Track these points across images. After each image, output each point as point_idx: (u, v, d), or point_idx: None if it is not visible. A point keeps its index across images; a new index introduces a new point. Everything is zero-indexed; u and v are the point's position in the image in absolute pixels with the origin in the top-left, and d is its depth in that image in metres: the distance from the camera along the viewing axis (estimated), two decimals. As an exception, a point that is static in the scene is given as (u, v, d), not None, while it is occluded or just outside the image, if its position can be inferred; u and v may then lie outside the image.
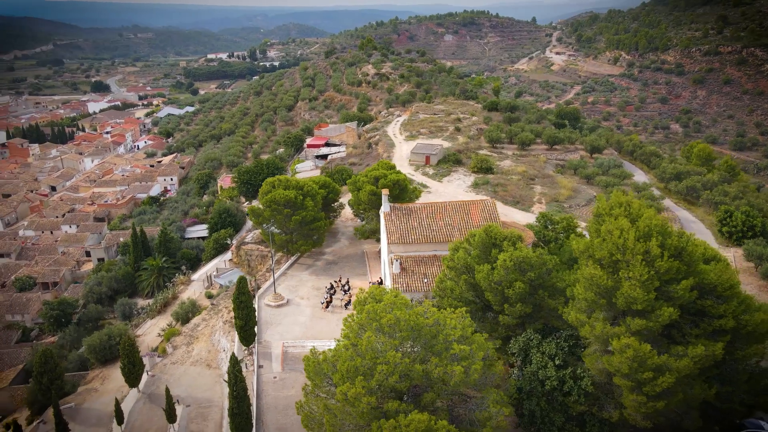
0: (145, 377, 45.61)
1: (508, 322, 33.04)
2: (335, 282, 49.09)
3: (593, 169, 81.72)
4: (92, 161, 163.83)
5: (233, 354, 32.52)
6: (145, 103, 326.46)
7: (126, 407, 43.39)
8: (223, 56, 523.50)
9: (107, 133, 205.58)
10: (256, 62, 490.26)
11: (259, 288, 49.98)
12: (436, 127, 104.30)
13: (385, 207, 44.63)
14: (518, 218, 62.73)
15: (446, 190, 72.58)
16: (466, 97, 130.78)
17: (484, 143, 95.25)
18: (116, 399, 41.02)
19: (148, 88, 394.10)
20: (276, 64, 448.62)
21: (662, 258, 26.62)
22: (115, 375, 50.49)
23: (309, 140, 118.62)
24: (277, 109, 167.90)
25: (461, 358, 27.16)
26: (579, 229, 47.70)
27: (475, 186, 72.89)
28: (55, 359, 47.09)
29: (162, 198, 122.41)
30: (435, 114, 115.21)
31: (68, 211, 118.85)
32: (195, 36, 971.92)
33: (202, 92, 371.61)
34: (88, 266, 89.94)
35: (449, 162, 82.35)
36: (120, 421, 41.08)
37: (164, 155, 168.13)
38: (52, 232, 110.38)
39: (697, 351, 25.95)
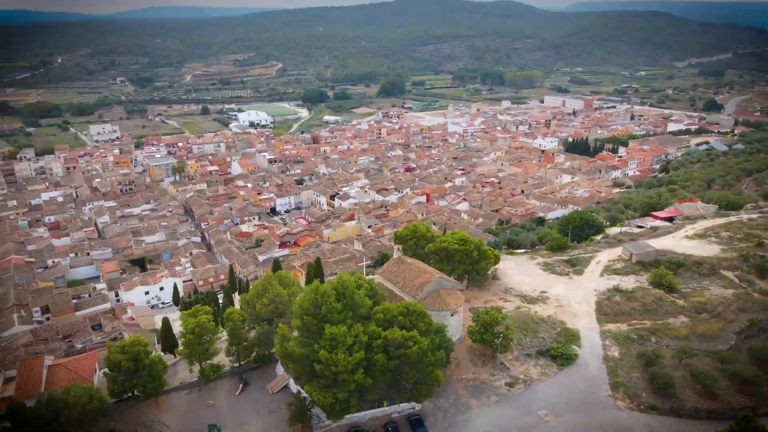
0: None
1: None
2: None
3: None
4: (572, 177, 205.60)
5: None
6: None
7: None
8: None
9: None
10: None
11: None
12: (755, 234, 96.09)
13: (395, 255, 75.25)
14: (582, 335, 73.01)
15: (587, 283, 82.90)
16: None
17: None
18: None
19: None
20: None
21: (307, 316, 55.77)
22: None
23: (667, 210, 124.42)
24: None
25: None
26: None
27: (605, 293, 79.61)
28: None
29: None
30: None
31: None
32: None
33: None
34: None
35: (648, 266, 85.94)
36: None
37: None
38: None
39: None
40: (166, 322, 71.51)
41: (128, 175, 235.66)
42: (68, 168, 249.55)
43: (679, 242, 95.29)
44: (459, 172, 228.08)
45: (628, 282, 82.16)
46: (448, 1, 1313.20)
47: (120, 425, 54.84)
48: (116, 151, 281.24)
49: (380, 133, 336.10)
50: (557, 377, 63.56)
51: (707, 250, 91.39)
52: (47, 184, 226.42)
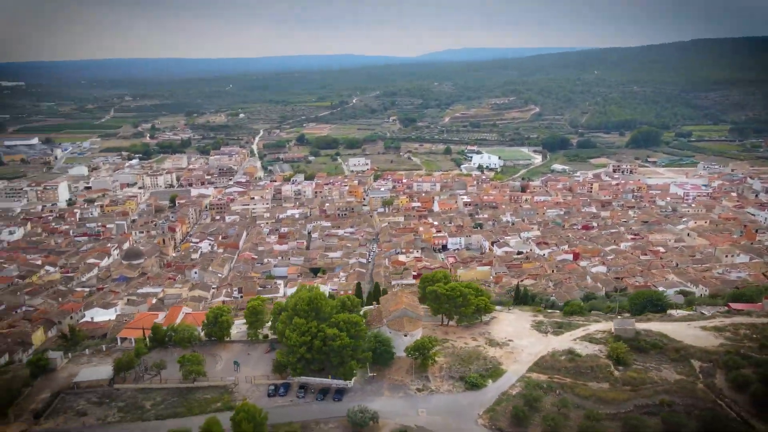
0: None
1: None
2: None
3: None
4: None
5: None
6: None
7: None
8: None
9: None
10: None
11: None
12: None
13: (395, 289, 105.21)
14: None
15: (554, 342, 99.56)
16: None
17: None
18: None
19: None
20: None
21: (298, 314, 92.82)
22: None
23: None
24: None
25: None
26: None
27: (556, 351, 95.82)
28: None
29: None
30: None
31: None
32: None
33: None
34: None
35: (624, 341, 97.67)
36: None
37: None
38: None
39: (302, 339, 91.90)
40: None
41: (351, 203, 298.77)
42: (315, 192, 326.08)
43: (684, 329, 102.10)
44: (630, 237, 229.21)
45: (589, 349, 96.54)
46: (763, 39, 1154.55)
47: (200, 351, 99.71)
48: (356, 182, 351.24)
49: (591, 188, 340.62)
50: (457, 395, 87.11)
51: (703, 341, 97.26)
52: (296, 203, 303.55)
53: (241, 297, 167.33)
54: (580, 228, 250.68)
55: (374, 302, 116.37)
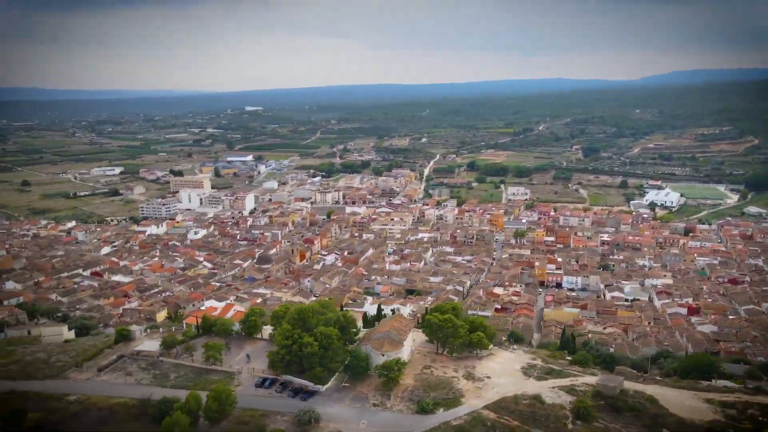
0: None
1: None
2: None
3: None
4: None
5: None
6: None
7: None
8: None
9: None
10: None
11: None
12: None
13: (394, 315, 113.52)
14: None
15: (529, 386, 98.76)
16: None
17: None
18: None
19: None
20: None
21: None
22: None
23: None
24: None
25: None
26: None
27: (521, 395, 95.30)
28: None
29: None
30: None
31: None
32: None
33: None
34: None
35: (603, 398, 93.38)
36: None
37: None
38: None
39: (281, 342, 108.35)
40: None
41: (484, 231, 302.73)
42: (457, 218, 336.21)
43: (686, 398, 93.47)
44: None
45: (560, 398, 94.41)
46: None
47: (233, 342, 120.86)
48: (501, 211, 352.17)
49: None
50: (405, 415, 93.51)
51: (694, 413, 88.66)
52: (434, 227, 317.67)
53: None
54: (726, 281, 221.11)
55: (376, 322, 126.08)
